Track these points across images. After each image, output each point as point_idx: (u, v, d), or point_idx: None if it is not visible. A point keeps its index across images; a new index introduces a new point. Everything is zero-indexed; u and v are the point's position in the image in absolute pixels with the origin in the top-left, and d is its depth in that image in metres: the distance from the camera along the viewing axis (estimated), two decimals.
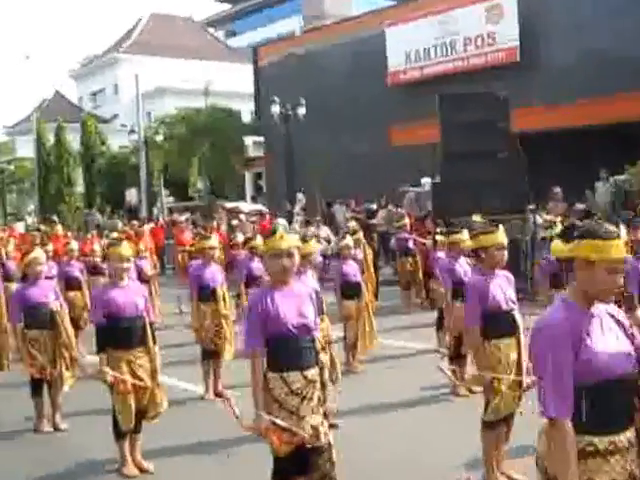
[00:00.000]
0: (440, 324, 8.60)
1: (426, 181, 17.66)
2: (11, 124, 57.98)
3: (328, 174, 23.79)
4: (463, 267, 7.52)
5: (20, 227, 27.97)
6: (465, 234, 7.21)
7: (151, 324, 5.68)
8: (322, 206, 20.71)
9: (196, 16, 67.87)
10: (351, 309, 8.74)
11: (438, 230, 10.32)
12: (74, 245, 11.10)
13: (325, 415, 4.04)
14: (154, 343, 5.61)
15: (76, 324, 9.33)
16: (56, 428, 6.84)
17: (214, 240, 8.35)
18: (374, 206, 16.43)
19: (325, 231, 16.51)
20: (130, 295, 5.59)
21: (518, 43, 21.18)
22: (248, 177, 32.24)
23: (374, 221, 15.62)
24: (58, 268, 10.39)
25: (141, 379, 5.50)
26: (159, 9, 62.71)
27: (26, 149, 48.84)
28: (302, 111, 22.02)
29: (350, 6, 64.04)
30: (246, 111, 37.21)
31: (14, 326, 6.85)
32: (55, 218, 29.63)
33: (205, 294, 7.87)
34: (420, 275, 13.07)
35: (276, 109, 21.72)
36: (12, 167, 39.85)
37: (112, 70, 56.26)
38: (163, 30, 57.25)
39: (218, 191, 32.88)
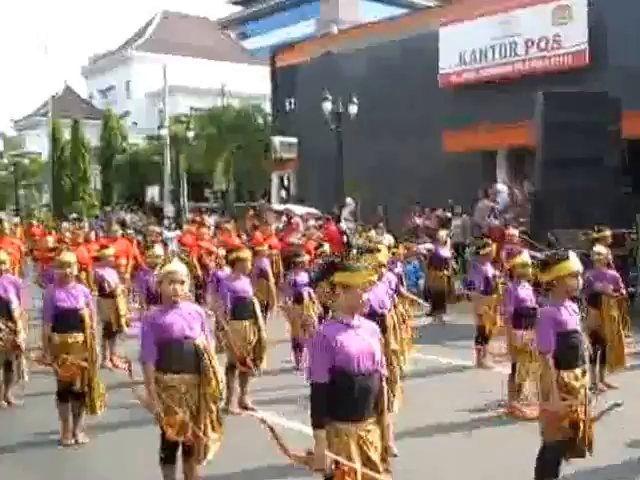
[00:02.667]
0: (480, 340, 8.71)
1: (501, 188, 16.37)
2: (19, 118, 56.60)
3: (374, 179, 22.52)
4: (525, 291, 7.21)
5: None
6: (525, 257, 7.17)
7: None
8: (382, 212, 19.33)
9: (209, 17, 66.70)
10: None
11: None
12: (110, 250, 10.30)
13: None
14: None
15: (109, 331, 9.45)
16: (77, 441, 6.52)
17: (247, 252, 7.81)
18: (449, 214, 15.06)
19: (389, 239, 15.14)
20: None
21: (587, 46, 20.01)
22: (275, 179, 30.86)
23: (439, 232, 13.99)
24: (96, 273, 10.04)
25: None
26: (171, 8, 60.99)
27: (35, 144, 47.52)
28: (354, 110, 20.67)
29: (363, 12, 63.47)
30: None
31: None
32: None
33: (239, 308, 7.31)
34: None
35: (328, 106, 20.34)
36: (26, 161, 38.38)
37: (124, 67, 55.02)
38: (177, 29, 56.04)
39: (242, 192, 31.71)
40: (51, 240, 17.12)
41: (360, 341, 3.67)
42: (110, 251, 10.20)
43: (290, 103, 34.53)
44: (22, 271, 14.55)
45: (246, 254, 7.59)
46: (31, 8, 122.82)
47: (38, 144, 46.17)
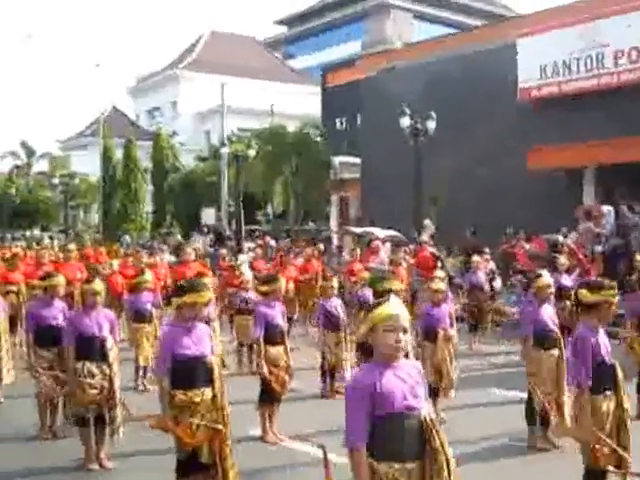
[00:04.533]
0: None
1: (608, 211, 14.91)
2: (64, 138, 56.44)
3: (452, 199, 21.19)
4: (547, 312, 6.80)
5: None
6: (547, 278, 6.89)
7: None
8: (470, 235, 17.95)
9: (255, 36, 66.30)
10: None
11: None
12: (147, 276, 9.73)
13: None
14: None
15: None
16: (102, 465, 6.19)
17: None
18: (559, 237, 13.60)
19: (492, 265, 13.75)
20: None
21: None
22: (335, 200, 29.71)
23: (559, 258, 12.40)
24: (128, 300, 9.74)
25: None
26: (218, 27, 60.60)
27: (81, 164, 47.09)
28: (432, 125, 19.39)
29: (412, 32, 62.62)
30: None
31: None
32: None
33: (273, 334, 6.95)
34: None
35: (405, 122, 19.09)
36: (76, 181, 37.78)
37: (171, 87, 54.66)
38: (224, 48, 55.56)
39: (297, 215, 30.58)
40: (115, 264, 16.09)
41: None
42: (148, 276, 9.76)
43: (342, 122, 33.56)
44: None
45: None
46: (79, 31, 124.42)
47: (84, 164, 45.75)
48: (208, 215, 29.62)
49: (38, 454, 6.78)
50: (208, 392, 4.95)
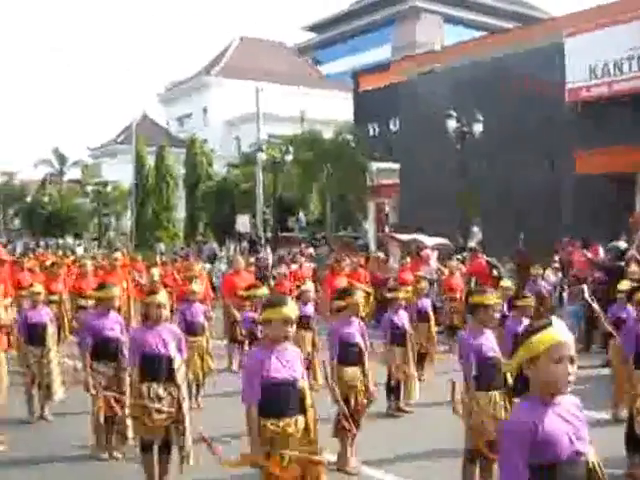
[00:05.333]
0: None
1: None
2: (95, 146, 56.47)
3: (498, 204, 20.46)
4: None
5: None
6: None
7: None
8: (522, 242, 17.17)
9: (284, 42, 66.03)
10: None
11: None
12: (197, 287, 9.18)
13: None
14: None
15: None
16: None
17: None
18: (622, 243, 12.74)
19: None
20: None
21: None
22: (371, 206, 29.05)
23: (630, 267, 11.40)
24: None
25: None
26: (247, 33, 60.38)
27: (112, 171, 46.99)
28: (479, 128, 18.71)
29: (442, 36, 62.00)
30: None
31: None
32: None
33: (348, 353, 6.31)
34: None
35: (452, 124, 18.43)
36: (109, 189, 37.56)
37: (201, 94, 54.49)
38: (254, 54, 55.25)
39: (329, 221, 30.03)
40: (157, 273, 15.59)
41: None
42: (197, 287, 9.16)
43: (374, 127, 32.93)
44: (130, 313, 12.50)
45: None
46: (109, 40, 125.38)
47: (115, 172, 45.64)
48: (242, 222, 29.12)
49: (93, 477, 6.33)
50: (301, 421, 4.39)
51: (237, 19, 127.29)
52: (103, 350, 6.44)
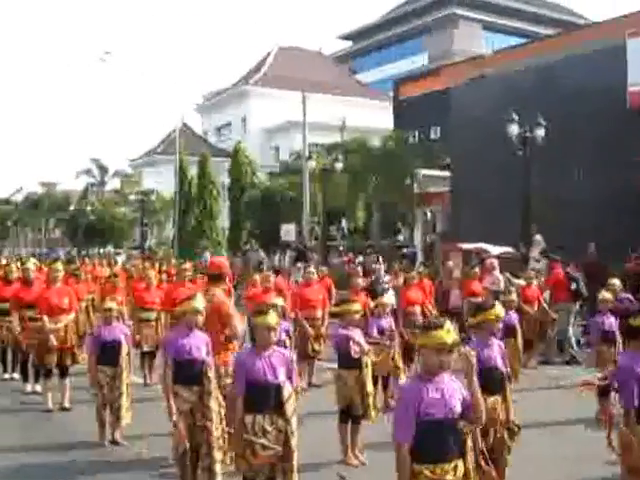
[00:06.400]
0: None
1: None
2: (135, 157, 56.75)
3: (556, 212, 19.77)
4: None
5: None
6: None
7: None
8: (594, 252, 16.39)
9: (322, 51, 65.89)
10: None
11: None
12: (279, 300, 8.41)
13: None
14: None
15: None
16: None
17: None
18: None
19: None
20: None
21: None
22: (419, 214, 28.51)
23: None
24: None
25: None
26: (283, 43, 60.29)
27: (152, 181, 47.10)
28: (541, 133, 18.08)
29: (480, 43, 61.37)
30: None
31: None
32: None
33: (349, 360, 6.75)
34: None
35: (514, 129, 17.83)
36: (153, 198, 37.58)
37: (240, 103, 54.43)
38: (293, 63, 55.14)
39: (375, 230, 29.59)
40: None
41: None
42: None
43: (414, 135, 32.41)
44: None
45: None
46: (148, 49, 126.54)
47: (155, 181, 45.72)
48: (287, 231, 28.77)
49: None
50: (460, 467, 3.73)
51: (271, 29, 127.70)
52: (187, 373, 5.72)
